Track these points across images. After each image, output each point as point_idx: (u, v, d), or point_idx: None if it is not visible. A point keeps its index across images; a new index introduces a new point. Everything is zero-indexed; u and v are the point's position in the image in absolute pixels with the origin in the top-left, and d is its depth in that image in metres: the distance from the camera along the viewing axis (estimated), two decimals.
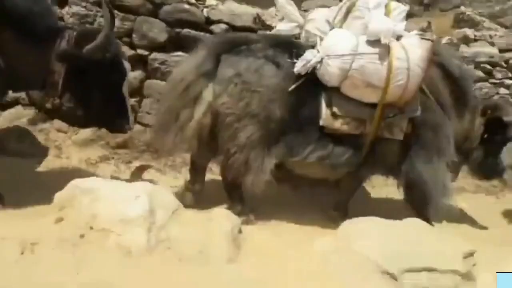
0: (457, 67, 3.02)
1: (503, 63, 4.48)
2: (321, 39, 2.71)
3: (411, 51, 2.62)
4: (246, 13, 3.96)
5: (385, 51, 2.59)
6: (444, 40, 4.30)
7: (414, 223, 2.39)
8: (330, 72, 2.61)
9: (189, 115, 2.63)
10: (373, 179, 3.44)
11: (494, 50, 4.48)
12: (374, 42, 2.60)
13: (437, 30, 5.54)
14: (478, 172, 3.43)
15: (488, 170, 3.36)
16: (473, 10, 19.45)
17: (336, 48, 2.60)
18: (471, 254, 2.21)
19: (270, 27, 3.80)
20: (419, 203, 2.93)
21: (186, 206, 2.41)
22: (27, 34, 2.34)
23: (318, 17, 2.86)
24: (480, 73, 4.46)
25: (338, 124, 2.69)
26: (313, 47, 2.71)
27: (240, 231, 2.24)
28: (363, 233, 2.26)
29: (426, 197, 2.86)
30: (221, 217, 2.23)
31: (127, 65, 2.72)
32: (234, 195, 2.85)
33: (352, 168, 2.88)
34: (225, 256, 2.00)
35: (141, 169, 3.50)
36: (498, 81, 4.43)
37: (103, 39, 2.42)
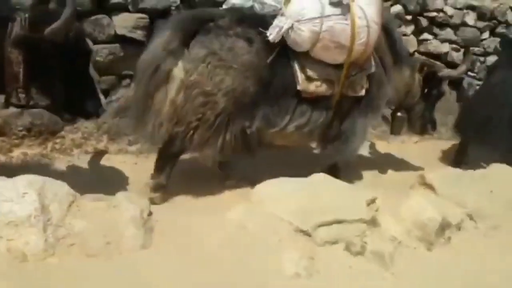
0: (395, 28, 3.31)
1: None
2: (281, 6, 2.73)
3: (367, 9, 2.78)
4: None
5: (347, 11, 2.73)
6: None
7: (321, 179, 2.48)
8: (303, 36, 2.67)
9: (163, 96, 2.61)
10: None
11: None
12: (336, 4, 2.72)
13: None
14: (416, 125, 3.67)
15: (425, 124, 3.64)
16: None
17: (305, 13, 2.65)
18: (373, 201, 2.38)
19: None
20: (340, 152, 3.16)
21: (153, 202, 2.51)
22: None
23: None
24: None
25: (313, 87, 2.80)
26: (273, 17, 2.73)
27: (150, 213, 2.10)
28: (275, 194, 2.29)
29: (349, 147, 3.13)
30: (126, 201, 2.06)
31: (91, 44, 2.54)
32: (167, 167, 2.81)
33: (324, 130, 3.02)
34: (137, 243, 1.86)
35: (99, 155, 3.25)
36: None
37: (68, 18, 2.16)
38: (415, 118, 3.62)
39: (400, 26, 4.74)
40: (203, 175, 3.16)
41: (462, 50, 4.83)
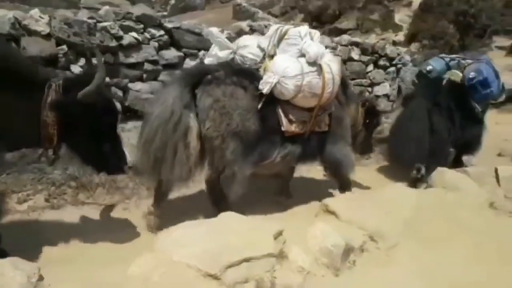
0: (345, 74, 4.05)
1: None
2: (265, 62, 3.34)
3: (332, 65, 3.46)
4: (2, 18, 3.35)
5: (319, 68, 3.36)
6: (224, 35, 4.51)
7: (227, 218, 2.45)
8: (288, 89, 3.24)
9: (184, 145, 2.95)
10: None
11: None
12: (312, 63, 3.33)
13: (221, 22, 5.81)
14: (358, 149, 4.37)
15: (366, 147, 4.46)
16: (247, 2, 21.43)
17: (289, 71, 3.22)
18: (280, 233, 2.40)
19: (34, 32, 3.35)
20: (338, 176, 3.93)
21: (152, 230, 3.07)
22: (12, 90, 2.19)
23: (251, 44, 3.52)
24: None
25: (293, 128, 3.40)
26: (257, 69, 3.37)
27: (40, 278, 1.89)
28: (180, 240, 2.20)
29: (341, 170, 3.83)
30: (11, 268, 1.82)
31: (118, 105, 2.76)
32: (223, 207, 3.11)
33: (298, 160, 3.66)
34: None
35: (109, 208, 3.40)
36: None
37: (99, 81, 2.39)
38: (358, 143, 4.32)
39: None
40: (103, 226, 2.97)
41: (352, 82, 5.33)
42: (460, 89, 4.65)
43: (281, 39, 3.38)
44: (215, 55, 3.49)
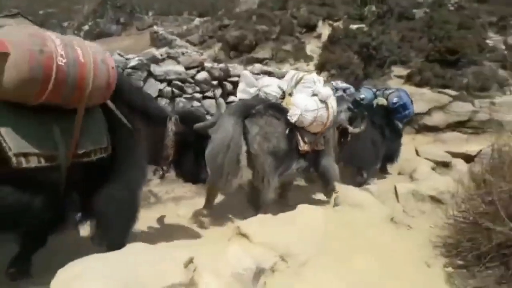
0: None
1: (190, 79, 5.01)
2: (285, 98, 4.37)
3: (333, 103, 4.48)
4: None
5: (326, 104, 4.34)
6: (134, 62, 4.46)
7: (133, 248, 2.36)
8: (307, 119, 4.20)
9: (237, 161, 3.78)
10: None
11: (181, 68, 4.93)
12: (323, 101, 4.31)
13: (137, 49, 5.73)
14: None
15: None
16: (164, 29, 21.40)
17: (309, 106, 4.19)
18: (190, 261, 2.36)
19: None
20: (327, 182, 4.73)
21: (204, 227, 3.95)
22: (151, 121, 2.85)
23: (272, 84, 4.50)
24: (175, 90, 4.85)
25: (306, 147, 4.31)
26: (280, 103, 4.31)
27: None
28: (87, 275, 2.06)
29: (330, 178, 4.70)
30: None
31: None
32: (258, 206, 4.08)
33: (303, 171, 4.57)
34: None
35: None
36: (190, 96, 4.97)
37: (214, 121, 3.23)
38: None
39: (208, 91, 5.12)
40: None
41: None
42: (386, 111, 5.94)
43: (297, 82, 4.37)
44: (246, 91, 4.46)
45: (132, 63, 4.44)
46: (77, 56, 2.17)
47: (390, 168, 6.53)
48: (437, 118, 9.84)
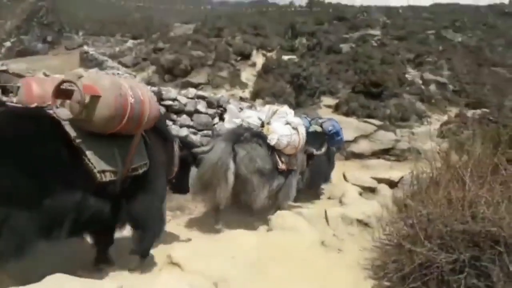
0: None
1: None
2: (264, 127, 5.06)
3: (302, 130, 5.29)
4: None
5: (297, 131, 5.14)
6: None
7: (57, 280, 2.17)
8: (283, 143, 4.94)
9: (225, 180, 4.34)
10: None
11: None
12: (295, 129, 5.11)
13: (65, 69, 5.45)
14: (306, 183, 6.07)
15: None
16: (96, 50, 20.73)
17: (284, 132, 4.97)
18: None
19: None
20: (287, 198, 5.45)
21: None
22: (166, 142, 3.55)
23: (253, 115, 5.26)
24: None
25: (283, 166, 5.04)
26: (261, 131, 4.99)
27: None
28: None
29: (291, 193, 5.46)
30: None
31: None
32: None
33: (278, 187, 5.20)
34: None
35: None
36: None
37: (210, 147, 4.16)
38: (304, 178, 6.01)
39: None
40: None
41: (200, 133, 5.57)
42: (323, 137, 6.56)
43: (273, 114, 5.19)
44: (232, 121, 5.14)
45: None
46: (139, 96, 2.82)
47: (323, 189, 6.91)
48: (363, 146, 10.43)
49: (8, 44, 28.66)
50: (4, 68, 3.91)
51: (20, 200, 2.34)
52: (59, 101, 2.62)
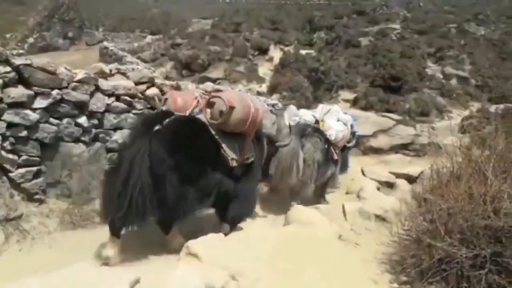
0: None
1: (140, 95, 4.89)
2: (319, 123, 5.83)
3: (349, 125, 6.10)
4: None
5: (346, 126, 5.96)
6: (81, 75, 4.31)
7: (78, 269, 2.23)
8: (339, 137, 5.76)
9: (297, 166, 5.29)
10: None
11: (130, 83, 4.81)
12: (344, 124, 5.92)
13: (85, 64, 5.55)
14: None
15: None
16: (115, 45, 21.02)
17: (339, 128, 5.78)
18: (137, 281, 2.27)
19: None
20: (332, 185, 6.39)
21: None
22: (260, 139, 4.50)
23: (308, 114, 5.97)
24: (122, 105, 4.71)
25: (336, 157, 5.83)
26: (319, 127, 5.75)
27: None
28: None
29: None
30: None
31: None
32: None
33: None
34: None
35: None
36: (139, 111, 4.85)
37: (287, 142, 5.31)
38: None
39: (158, 107, 5.06)
40: None
41: None
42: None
43: (326, 112, 5.91)
44: (292, 119, 5.69)
45: (79, 76, 4.26)
46: (256, 104, 3.89)
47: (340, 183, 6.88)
48: (381, 141, 10.31)
49: (31, 40, 29.24)
50: (28, 62, 3.99)
51: (190, 179, 3.44)
52: (197, 108, 4.01)
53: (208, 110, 3.73)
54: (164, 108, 4.09)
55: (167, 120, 3.44)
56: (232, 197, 3.92)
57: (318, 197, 6.08)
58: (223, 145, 3.69)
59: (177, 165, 3.32)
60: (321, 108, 6.10)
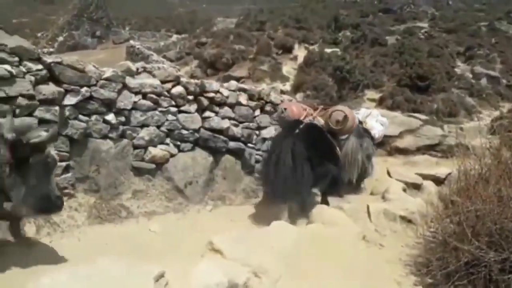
0: None
1: (166, 93, 4.97)
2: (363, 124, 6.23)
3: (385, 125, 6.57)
4: None
5: (383, 127, 6.46)
6: (108, 73, 4.41)
7: (103, 262, 2.29)
8: (381, 136, 6.42)
9: (358, 159, 5.92)
10: None
11: (156, 82, 4.89)
12: (382, 124, 6.41)
13: (112, 62, 5.66)
14: None
15: None
16: (141, 44, 21.30)
17: (380, 128, 6.32)
18: (161, 276, 2.31)
19: None
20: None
21: None
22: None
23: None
24: (148, 103, 4.79)
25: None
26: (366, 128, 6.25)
27: None
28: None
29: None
30: None
31: None
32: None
33: None
34: None
35: None
36: (165, 109, 4.92)
37: None
38: None
39: (183, 105, 5.11)
40: None
41: (241, 125, 5.65)
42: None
43: (367, 115, 6.36)
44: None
45: (107, 74, 4.37)
46: (353, 112, 5.51)
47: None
48: (408, 141, 10.08)
49: (60, 39, 30.11)
50: (59, 60, 4.11)
51: (317, 167, 4.72)
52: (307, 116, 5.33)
53: (324, 119, 5.36)
54: (283, 115, 5.33)
55: (301, 126, 4.86)
56: (336, 180, 5.15)
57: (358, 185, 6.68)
58: (336, 145, 5.21)
59: (309, 157, 4.64)
60: (364, 111, 6.71)
